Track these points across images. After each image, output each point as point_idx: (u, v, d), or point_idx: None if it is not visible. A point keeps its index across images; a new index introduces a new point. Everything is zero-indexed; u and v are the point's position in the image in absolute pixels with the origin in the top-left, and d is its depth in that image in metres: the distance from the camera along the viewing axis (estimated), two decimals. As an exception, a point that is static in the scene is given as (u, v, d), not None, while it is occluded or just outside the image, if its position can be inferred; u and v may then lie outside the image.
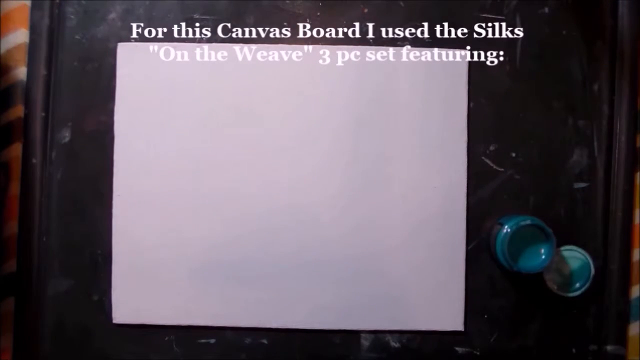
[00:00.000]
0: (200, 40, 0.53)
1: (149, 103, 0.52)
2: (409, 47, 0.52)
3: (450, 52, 0.52)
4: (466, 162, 0.52)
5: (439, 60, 0.52)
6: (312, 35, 0.53)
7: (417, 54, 0.52)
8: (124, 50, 0.53)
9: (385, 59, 0.52)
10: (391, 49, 0.52)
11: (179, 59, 0.52)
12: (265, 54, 0.52)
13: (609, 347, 0.52)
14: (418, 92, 0.52)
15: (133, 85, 0.52)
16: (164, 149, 0.52)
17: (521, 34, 0.53)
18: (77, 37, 0.53)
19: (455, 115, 0.52)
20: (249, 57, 0.52)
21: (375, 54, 0.52)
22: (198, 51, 0.53)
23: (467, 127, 0.52)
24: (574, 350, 0.52)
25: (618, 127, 0.53)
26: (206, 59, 0.52)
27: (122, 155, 0.52)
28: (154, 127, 0.52)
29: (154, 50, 0.53)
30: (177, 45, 0.53)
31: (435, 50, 0.52)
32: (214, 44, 0.53)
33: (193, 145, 0.52)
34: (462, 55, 0.52)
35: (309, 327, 0.52)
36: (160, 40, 0.53)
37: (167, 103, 0.52)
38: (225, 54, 0.52)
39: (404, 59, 0.52)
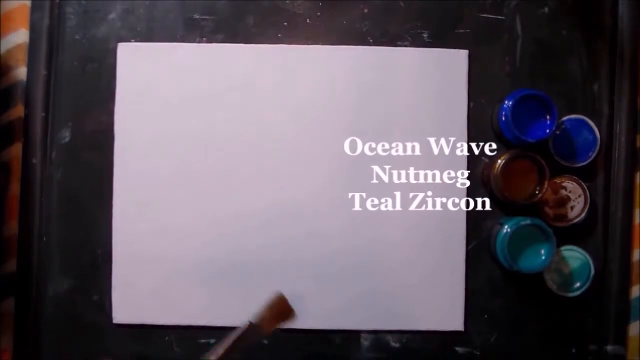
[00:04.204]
0: (200, 41, 0.53)
1: (149, 103, 0.52)
2: (408, 46, 0.52)
3: (450, 51, 0.52)
4: (466, 162, 0.52)
5: (439, 60, 0.52)
6: (312, 35, 0.53)
7: (417, 53, 0.52)
8: (124, 50, 0.53)
9: (385, 58, 0.52)
10: (391, 49, 0.52)
11: (178, 59, 0.52)
12: (265, 54, 0.52)
13: (609, 347, 0.52)
14: (418, 91, 0.52)
15: (133, 85, 0.52)
16: (164, 149, 0.52)
17: (521, 34, 0.53)
18: (77, 37, 0.53)
19: (456, 115, 0.52)
20: (249, 57, 0.52)
21: (375, 54, 0.52)
22: (198, 51, 0.53)
23: (467, 126, 0.52)
24: (574, 350, 0.52)
25: (618, 127, 0.53)
26: (206, 59, 0.52)
27: (122, 155, 0.52)
28: (154, 127, 0.52)
29: (153, 50, 0.53)
30: (177, 45, 0.53)
31: (435, 50, 0.52)
32: (214, 45, 0.53)
33: (192, 146, 0.52)
34: (462, 55, 0.52)
35: (309, 327, 0.52)
36: (160, 40, 0.53)
37: (167, 103, 0.52)
38: (225, 54, 0.52)
39: (404, 58, 0.52)
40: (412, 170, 0.52)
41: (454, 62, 0.52)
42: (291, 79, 0.52)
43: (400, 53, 0.52)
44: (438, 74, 0.52)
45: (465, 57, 0.52)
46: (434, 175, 0.52)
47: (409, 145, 0.52)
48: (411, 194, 0.52)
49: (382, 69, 0.52)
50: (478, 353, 0.52)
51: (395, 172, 0.52)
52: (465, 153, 0.52)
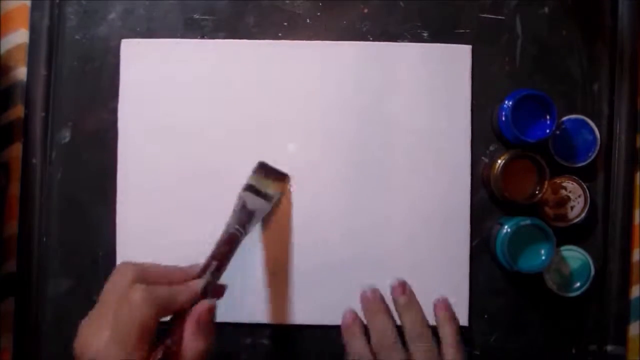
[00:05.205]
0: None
1: (153, 100, 0.52)
2: (411, 42, 0.52)
3: (454, 47, 0.52)
4: (470, 162, 0.52)
5: (442, 55, 0.52)
6: (312, 35, 0.53)
7: (420, 49, 0.52)
8: (127, 47, 0.52)
9: (388, 54, 0.52)
10: (394, 44, 0.52)
11: (182, 55, 0.52)
12: (271, 49, 0.52)
13: (609, 347, 0.52)
14: (420, 91, 0.52)
15: (136, 82, 0.52)
16: (167, 149, 0.52)
17: (521, 34, 0.53)
18: (77, 37, 0.53)
19: (459, 111, 0.52)
20: (255, 54, 0.52)
21: (378, 50, 0.52)
22: (200, 50, 0.52)
23: (470, 126, 0.52)
24: (574, 350, 0.52)
25: (618, 127, 0.53)
26: (211, 55, 0.52)
27: (126, 154, 0.52)
28: (158, 125, 0.52)
29: (157, 46, 0.52)
30: (181, 42, 0.52)
31: (439, 45, 0.52)
32: (219, 40, 0.52)
33: (195, 145, 0.52)
34: (465, 51, 0.52)
35: (310, 324, 0.52)
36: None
37: (170, 102, 0.52)
38: (231, 50, 0.52)
39: (407, 54, 0.52)
40: (415, 171, 0.52)
41: (457, 57, 0.52)
42: (296, 75, 0.52)
43: (403, 49, 0.52)
44: (441, 70, 0.52)
45: (468, 52, 0.52)
46: (437, 175, 0.52)
47: (411, 145, 0.52)
48: (414, 194, 0.52)
49: (385, 65, 0.52)
50: (478, 353, 0.52)
51: (398, 172, 0.52)
52: (469, 153, 0.52)
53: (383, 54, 0.52)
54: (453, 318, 0.50)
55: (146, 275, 0.39)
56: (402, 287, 0.50)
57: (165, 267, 0.42)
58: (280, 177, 0.51)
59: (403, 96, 0.52)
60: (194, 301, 0.39)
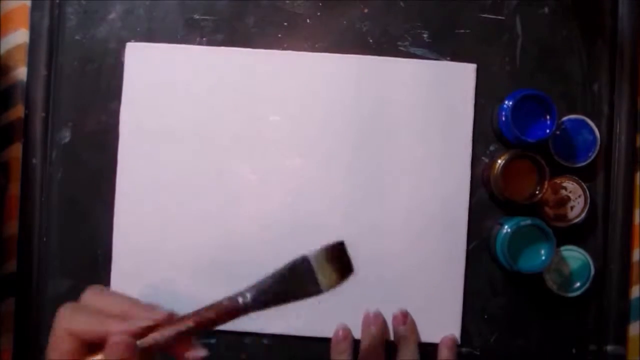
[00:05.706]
0: (201, 41, 0.53)
1: (154, 104, 0.52)
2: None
3: (458, 65, 0.52)
4: (470, 165, 0.52)
5: (445, 73, 0.52)
6: (311, 35, 0.53)
7: (424, 66, 0.52)
8: (132, 51, 0.52)
9: (391, 70, 0.52)
10: (397, 60, 0.52)
11: (185, 63, 0.52)
12: (268, 63, 0.52)
13: (609, 347, 0.52)
14: (422, 93, 0.52)
15: (139, 86, 0.52)
16: (168, 150, 0.52)
17: (521, 34, 0.53)
18: (77, 37, 0.53)
19: (461, 117, 0.52)
20: (260, 62, 0.52)
21: (382, 64, 0.52)
22: (204, 57, 0.52)
23: (472, 129, 0.52)
24: (574, 350, 0.52)
25: (618, 127, 0.53)
26: (215, 62, 0.52)
27: (126, 155, 0.52)
28: (159, 127, 0.52)
29: (162, 51, 0.52)
30: (185, 47, 0.52)
31: (443, 62, 0.52)
32: (221, 49, 0.52)
33: (195, 148, 0.52)
34: (469, 69, 0.52)
35: (308, 334, 0.52)
36: (160, 40, 0.53)
37: (171, 106, 0.52)
38: (237, 57, 0.52)
39: (409, 71, 0.52)
40: (415, 173, 0.52)
41: (461, 75, 0.52)
42: (303, 85, 0.52)
43: (405, 65, 0.52)
44: (445, 87, 0.52)
45: (473, 71, 0.52)
46: (436, 175, 0.52)
47: (412, 147, 0.52)
48: (414, 198, 0.52)
49: (386, 71, 0.52)
50: (478, 353, 0.52)
51: (398, 176, 0.52)
52: (470, 156, 0.52)
53: (387, 69, 0.52)
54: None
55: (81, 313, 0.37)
56: (404, 318, 0.51)
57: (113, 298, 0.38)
58: (346, 271, 0.39)
59: (405, 102, 0.52)
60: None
